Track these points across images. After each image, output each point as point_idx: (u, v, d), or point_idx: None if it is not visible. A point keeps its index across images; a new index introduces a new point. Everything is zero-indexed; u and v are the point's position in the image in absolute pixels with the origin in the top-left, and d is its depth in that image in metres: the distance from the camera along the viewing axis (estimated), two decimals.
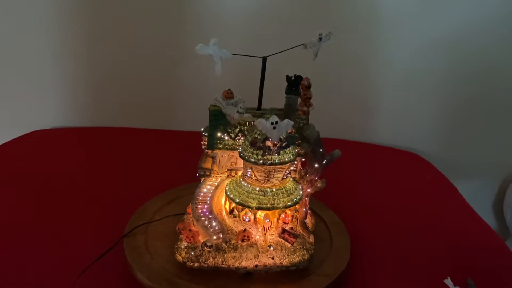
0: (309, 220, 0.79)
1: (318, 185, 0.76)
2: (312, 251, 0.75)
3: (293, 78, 0.73)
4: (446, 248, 0.91)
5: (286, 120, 0.67)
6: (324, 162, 0.75)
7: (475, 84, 1.33)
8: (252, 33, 1.25)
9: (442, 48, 1.28)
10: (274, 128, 0.66)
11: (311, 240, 0.76)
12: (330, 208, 0.95)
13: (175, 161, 1.18)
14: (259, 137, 0.69)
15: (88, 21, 1.25)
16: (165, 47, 1.28)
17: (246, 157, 0.70)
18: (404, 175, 1.26)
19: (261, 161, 0.69)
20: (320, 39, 0.73)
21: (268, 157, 0.69)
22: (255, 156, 0.69)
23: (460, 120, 1.39)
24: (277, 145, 0.68)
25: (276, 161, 0.69)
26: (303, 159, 0.78)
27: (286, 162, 0.70)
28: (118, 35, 1.27)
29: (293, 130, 0.74)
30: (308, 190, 0.76)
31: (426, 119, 1.40)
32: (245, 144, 0.72)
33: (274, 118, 0.66)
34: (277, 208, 0.71)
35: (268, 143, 0.68)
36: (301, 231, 0.76)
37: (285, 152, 0.70)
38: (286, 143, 0.69)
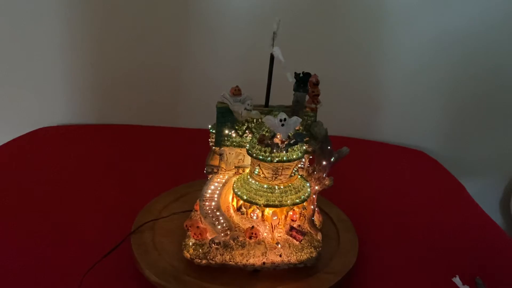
0: (316, 218, 0.79)
1: (326, 182, 0.75)
2: (320, 248, 0.74)
3: (301, 75, 0.72)
4: (454, 247, 0.91)
5: (294, 117, 0.66)
6: (332, 159, 0.75)
7: (482, 81, 1.32)
8: (257, 30, 1.24)
9: (449, 45, 1.27)
10: (282, 125, 0.66)
11: (318, 238, 0.76)
12: (337, 206, 0.94)
13: (182, 158, 1.17)
14: (267, 134, 0.69)
15: (94, 17, 1.24)
16: (171, 44, 1.27)
17: (254, 154, 0.70)
18: (411, 173, 1.25)
19: (269, 158, 0.69)
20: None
21: (276, 154, 0.69)
22: (263, 153, 0.69)
23: (467, 117, 1.38)
24: (285, 142, 0.68)
25: (284, 158, 0.69)
26: (311, 157, 0.77)
27: (294, 160, 0.70)
28: (124, 32, 1.26)
29: (301, 127, 0.74)
30: (316, 187, 0.76)
31: (433, 116, 1.38)
32: (253, 141, 0.71)
33: (282, 115, 0.66)
34: (285, 206, 0.71)
35: (276, 140, 0.68)
36: (308, 228, 0.76)
37: (293, 149, 0.69)
38: (294, 140, 0.68)
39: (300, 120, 0.67)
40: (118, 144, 1.27)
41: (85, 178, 1.06)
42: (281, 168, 0.70)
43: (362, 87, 1.34)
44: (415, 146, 1.40)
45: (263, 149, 0.69)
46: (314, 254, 0.73)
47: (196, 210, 0.79)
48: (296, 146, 0.70)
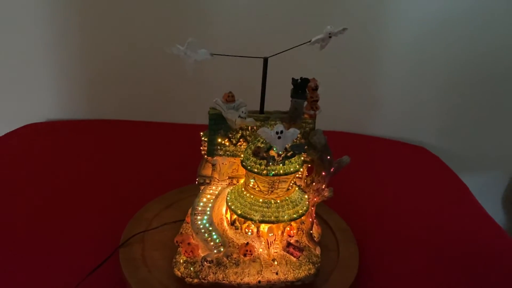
0: (315, 230, 0.75)
1: (326, 194, 0.71)
2: (319, 264, 0.70)
3: (299, 80, 0.67)
4: (459, 252, 0.87)
5: (292, 129, 0.61)
6: (332, 170, 0.70)
7: (485, 76, 1.27)
8: (253, 32, 1.19)
9: (451, 39, 1.22)
10: (279, 137, 0.61)
11: (317, 253, 0.72)
12: (336, 211, 0.90)
13: (175, 158, 1.13)
14: (262, 145, 0.64)
15: (82, 10, 1.18)
16: (162, 38, 1.21)
17: (249, 167, 0.65)
18: (412, 171, 1.21)
19: (264, 172, 0.64)
20: (330, 37, 0.67)
21: (272, 167, 0.64)
22: (258, 166, 0.65)
23: (469, 112, 1.33)
24: (282, 155, 0.63)
25: (281, 171, 0.64)
26: (309, 165, 0.73)
27: (291, 172, 0.65)
28: (113, 25, 1.21)
29: (299, 135, 0.69)
30: (315, 199, 0.71)
31: (434, 111, 1.34)
32: (247, 153, 0.67)
33: (279, 127, 0.60)
34: (281, 222, 0.66)
35: (272, 152, 0.63)
36: (306, 242, 0.72)
37: (290, 161, 0.65)
38: (292, 152, 0.64)
39: (298, 131, 0.62)
40: (108, 141, 1.22)
41: (71, 181, 1.01)
42: (278, 181, 0.66)
43: (361, 80, 1.30)
44: (416, 142, 1.35)
45: (258, 161, 0.64)
46: (312, 271, 0.69)
47: (187, 222, 0.75)
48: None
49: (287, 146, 0.63)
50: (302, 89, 0.68)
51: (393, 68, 1.27)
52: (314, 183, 0.71)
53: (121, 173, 1.06)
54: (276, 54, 0.67)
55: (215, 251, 0.67)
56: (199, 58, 0.60)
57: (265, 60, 0.66)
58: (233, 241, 0.70)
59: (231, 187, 0.73)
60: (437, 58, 1.25)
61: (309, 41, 0.67)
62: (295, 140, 0.66)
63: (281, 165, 0.64)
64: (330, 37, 0.67)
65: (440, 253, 0.87)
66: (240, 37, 1.16)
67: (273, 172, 0.64)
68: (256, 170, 0.65)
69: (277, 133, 0.61)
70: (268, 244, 0.68)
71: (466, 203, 1.08)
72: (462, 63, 1.25)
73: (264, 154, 0.63)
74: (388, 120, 1.36)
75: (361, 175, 1.13)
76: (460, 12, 1.18)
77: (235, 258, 0.68)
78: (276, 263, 0.68)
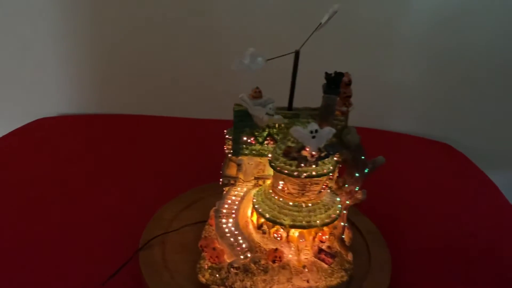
0: (346, 234, 0.70)
1: (359, 196, 0.67)
2: (351, 271, 0.66)
3: (333, 75, 0.62)
4: (494, 257, 0.83)
5: (327, 128, 0.57)
6: (365, 171, 0.65)
7: (510, 70, 1.21)
8: (279, 22, 1.14)
9: (474, 30, 1.16)
10: (313, 137, 0.57)
11: (349, 258, 0.67)
12: (363, 213, 0.86)
13: (194, 155, 1.08)
14: (293, 145, 0.60)
15: (93, 5, 1.15)
16: (175, 32, 1.17)
17: (278, 168, 0.61)
18: (438, 168, 1.16)
19: (296, 173, 0.60)
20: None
21: (304, 168, 0.60)
22: (288, 167, 0.60)
23: (493, 107, 1.28)
24: (315, 156, 0.59)
25: (313, 173, 0.60)
26: (340, 165, 0.68)
27: (324, 174, 0.61)
28: (125, 19, 1.17)
29: None
30: (347, 202, 0.67)
31: (457, 107, 1.29)
32: (276, 153, 0.62)
33: (314, 126, 0.56)
34: (313, 227, 0.62)
35: (305, 152, 0.59)
36: (338, 248, 0.67)
37: (323, 162, 0.60)
38: (325, 153, 0.59)
39: (334, 131, 0.58)
40: (122, 137, 1.19)
41: (85, 177, 0.98)
42: (309, 183, 0.61)
43: (382, 73, 1.24)
44: (440, 138, 1.30)
45: (288, 162, 0.60)
46: (345, 278, 0.65)
47: (210, 225, 0.71)
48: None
49: (320, 146, 0.59)
50: (336, 84, 0.63)
51: (416, 63, 1.22)
52: (346, 185, 0.67)
53: (137, 170, 1.02)
54: (304, 43, 0.62)
55: (241, 256, 0.63)
56: (257, 67, 0.56)
57: (297, 53, 0.62)
58: (260, 245, 0.66)
59: (257, 188, 0.69)
60: (462, 52, 1.20)
61: (320, 24, 0.62)
62: None
63: (313, 166, 0.60)
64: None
65: (474, 255, 0.83)
66: (260, 36, 1.12)
67: (305, 174, 0.60)
68: (286, 171, 0.60)
69: (311, 132, 0.56)
70: (298, 250, 0.64)
71: (497, 202, 1.03)
72: (487, 56, 1.20)
73: (296, 155, 0.59)
74: (411, 116, 1.31)
75: (386, 173, 1.07)
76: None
77: (263, 264, 0.64)
78: (306, 270, 0.64)
